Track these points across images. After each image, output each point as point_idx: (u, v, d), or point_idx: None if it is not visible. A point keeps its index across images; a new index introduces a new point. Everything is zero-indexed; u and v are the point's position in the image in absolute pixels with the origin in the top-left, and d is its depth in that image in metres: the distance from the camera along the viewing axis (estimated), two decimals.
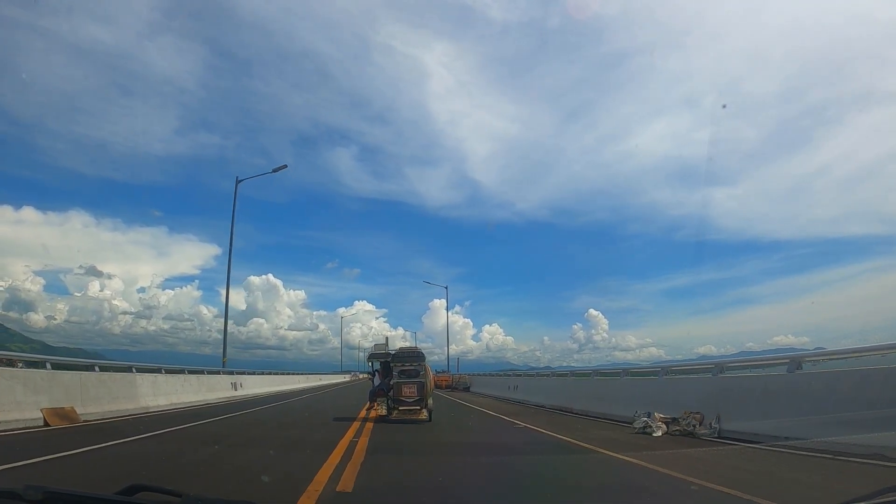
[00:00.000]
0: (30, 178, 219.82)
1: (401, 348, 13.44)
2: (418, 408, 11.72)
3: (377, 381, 13.02)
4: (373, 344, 15.56)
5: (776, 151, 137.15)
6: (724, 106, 73.66)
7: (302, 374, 41.29)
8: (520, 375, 23.40)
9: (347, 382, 54.15)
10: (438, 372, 43.25)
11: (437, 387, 37.33)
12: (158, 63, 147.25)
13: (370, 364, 14.40)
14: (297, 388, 32.02)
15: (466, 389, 32.45)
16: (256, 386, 23.92)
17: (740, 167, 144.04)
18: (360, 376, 68.41)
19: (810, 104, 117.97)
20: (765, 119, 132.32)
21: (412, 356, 12.30)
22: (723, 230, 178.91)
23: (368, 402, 13.32)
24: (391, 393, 11.67)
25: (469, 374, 37.06)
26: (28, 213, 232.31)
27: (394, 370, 11.82)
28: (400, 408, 11.68)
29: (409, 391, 11.54)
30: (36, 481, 1.59)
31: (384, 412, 11.70)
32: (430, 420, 11.50)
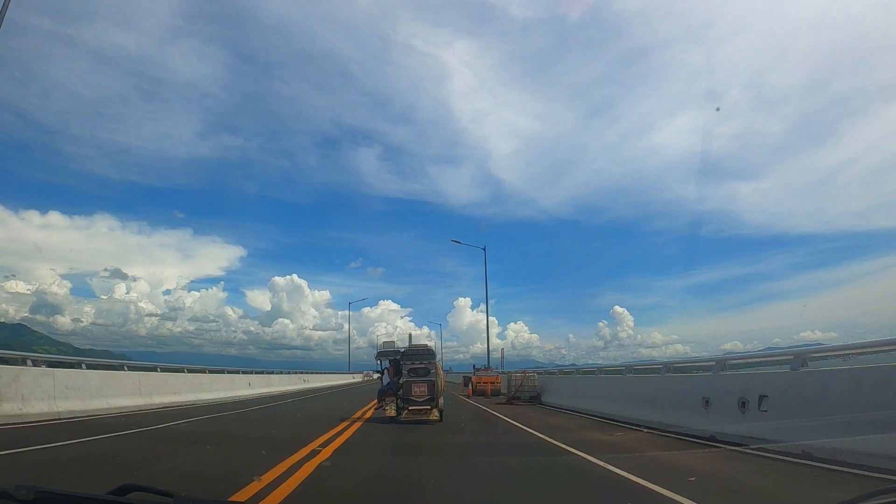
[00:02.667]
0: (56, 183, 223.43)
1: (410, 346, 12.69)
2: (429, 407, 11.05)
3: (386, 379, 12.28)
4: (381, 342, 13.49)
5: (801, 144, 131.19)
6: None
7: (264, 373, 25.42)
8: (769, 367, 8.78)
9: (354, 384, 42.87)
10: (478, 369, 28.08)
11: (481, 394, 22.30)
12: (181, 67, 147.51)
13: (378, 362, 13.06)
14: (231, 397, 18.12)
15: (534, 400, 18.20)
16: (88, 395, 10.94)
17: (765, 161, 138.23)
18: (375, 376, 55.90)
19: (835, 96, 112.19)
20: (789, 112, 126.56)
21: (422, 354, 11.65)
22: (748, 225, 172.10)
23: (377, 402, 12.60)
24: (401, 392, 11.16)
25: (536, 372, 20.88)
26: (54, 217, 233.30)
27: (403, 368, 11.35)
28: (410, 408, 11.00)
29: (419, 390, 11.03)
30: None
31: (394, 413, 11.07)
32: (441, 420, 11.01)
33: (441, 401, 11.37)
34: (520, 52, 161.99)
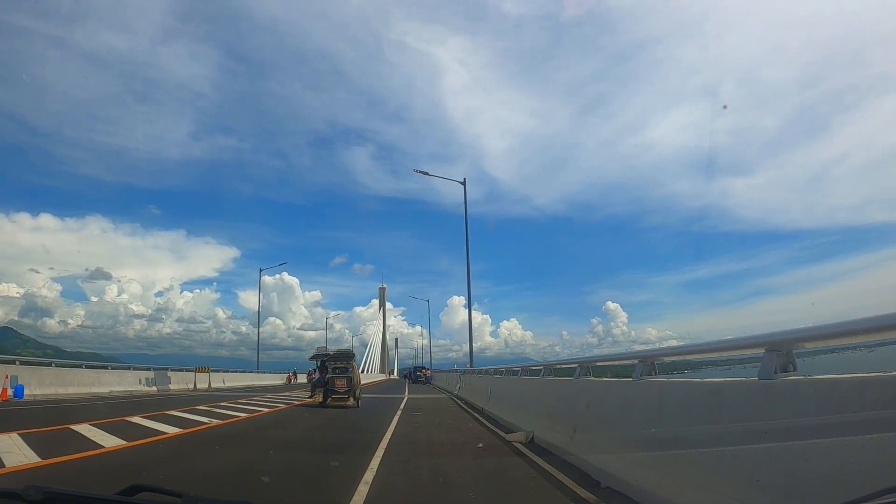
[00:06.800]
0: (48, 186, 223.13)
1: (337, 350, 17.05)
2: (346, 396, 14.60)
3: (317, 375, 16.28)
4: (316, 347, 19.45)
5: (795, 139, 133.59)
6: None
7: None
8: None
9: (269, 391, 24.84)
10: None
11: None
12: (174, 68, 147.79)
13: (314, 362, 17.30)
14: None
15: None
16: None
17: (759, 156, 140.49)
18: (299, 377, 42.44)
19: (828, 90, 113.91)
20: (783, 107, 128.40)
21: (344, 357, 15.48)
22: (743, 220, 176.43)
23: (311, 392, 16.54)
24: (326, 385, 14.73)
25: None
26: (46, 219, 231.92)
27: (329, 367, 14.95)
28: (333, 396, 14.54)
29: (340, 384, 14.58)
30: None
31: (321, 399, 14.75)
32: (357, 406, 14.47)
33: (358, 392, 15.07)
34: (514, 48, 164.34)
